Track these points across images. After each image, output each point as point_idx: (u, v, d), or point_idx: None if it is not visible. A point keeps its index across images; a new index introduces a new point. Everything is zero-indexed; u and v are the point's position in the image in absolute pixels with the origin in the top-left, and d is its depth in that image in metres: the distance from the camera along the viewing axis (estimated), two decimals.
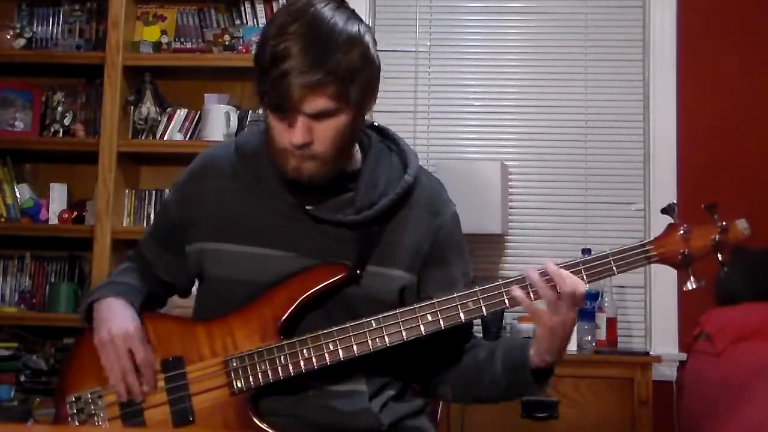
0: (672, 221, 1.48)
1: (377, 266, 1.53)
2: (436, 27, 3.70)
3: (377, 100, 1.54)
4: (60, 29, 3.51)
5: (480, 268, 3.37)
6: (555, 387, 2.92)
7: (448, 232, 1.61)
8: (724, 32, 3.50)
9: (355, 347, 1.46)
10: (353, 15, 1.48)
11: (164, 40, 3.44)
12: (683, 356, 3.22)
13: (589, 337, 3.07)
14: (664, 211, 1.49)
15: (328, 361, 1.46)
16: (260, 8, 3.44)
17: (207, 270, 1.59)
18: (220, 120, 3.28)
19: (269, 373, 1.47)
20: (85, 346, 1.56)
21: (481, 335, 3.04)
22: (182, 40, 3.47)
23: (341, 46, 1.41)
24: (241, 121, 3.33)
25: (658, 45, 3.51)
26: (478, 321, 2.62)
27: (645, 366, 2.97)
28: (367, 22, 1.74)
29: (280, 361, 1.47)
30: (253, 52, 1.47)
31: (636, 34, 3.59)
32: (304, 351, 1.46)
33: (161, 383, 1.52)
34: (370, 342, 1.46)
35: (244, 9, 3.45)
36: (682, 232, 1.46)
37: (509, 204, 3.40)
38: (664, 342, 3.36)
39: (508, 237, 3.50)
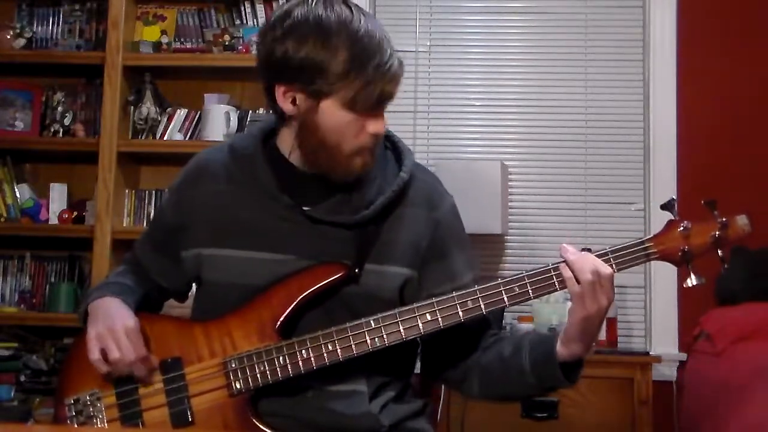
0: (672, 217, 1.47)
1: (376, 264, 1.52)
2: (436, 27, 3.70)
3: None
4: (60, 29, 3.51)
5: (480, 268, 3.36)
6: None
7: (446, 225, 1.60)
8: (724, 32, 3.50)
9: (353, 347, 1.45)
10: None
11: (164, 40, 3.44)
12: (683, 356, 3.22)
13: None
14: (663, 207, 1.48)
15: (327, 361, 1.45)
16: (260, 8, 3.44)
17: (205, 275, 1.59)
18: (220, 120, 3.28)
19: (268, 374, 1.46)
20: (84, 348, 1.55)
21: None
22: (182, 40, 3.47)
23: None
24: (241, 121, 3.32)
25: (658, 45, 3.50)
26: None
27: (645, 366, 2.97)
28: None
29: (279, 362, 1.46)
30: (319, 56, 1.43)
31: (636, 34, 3.59)
32: (303, 352, 1.46)
33: (160, 385, 1.51)
34: (368, 342, 1.45)
35: (244, 9, 3.45)
36: (681, 228, 1.45)
37: (509, 204, 3.40)
38: (664, 342, 3.36)
39: (508, 237, 3.50)
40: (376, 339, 1.45)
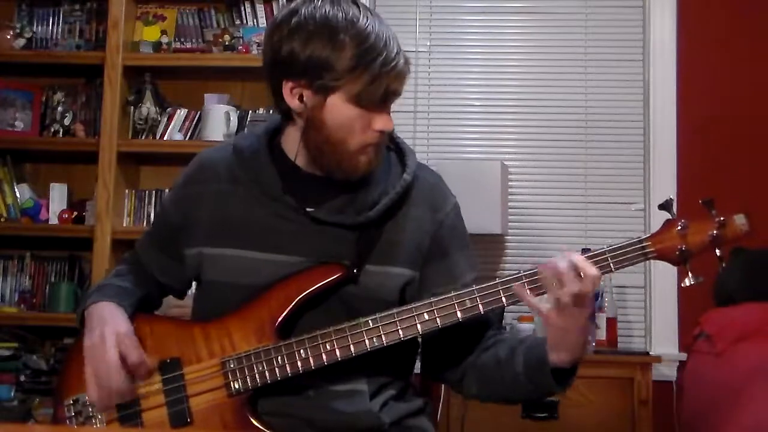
0: (669, 217, 1.47)
1: (378, 265, 1.52)
2: (436, 27, 3.70)
3: None
4: (60, 29, 3.51)
5: (480, 268, 3.36)
6: None
7: (449, 225, 1.61)
8: (724, 32, 3.49)
9: (352, 347, 1.45)
10: None
11: (164, 40, 3.44)
12: (683, 356, 3.21)
13: (589, 337, 3.07)
14: (661, 206, 1.47)
15: (325, 361, 1.45)
16: (260, 8, 3.44)
17: (206, 274, 1.59)
18: (220, 120, 3.28)
19: (267, 374, 1.46)
20: (82, 350, 1.55)
21: None
22: (182, 40, 3.47)
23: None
24: (241, 121, 3.32)
25: (658, 45, 3.50)
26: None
27: (645, 366, 2.97)
28: None
29: (278, 362, 1.46)
30: (326, 52, 1.44)
31: (636, 34, 3.59)
32: (302, 351, 1.46)
33: (158, 385, 1.51)
34: (367, 341, 1.45)
35: (244, 9, 3.45)
36: (679, 227, 1.44)
37: (509, 204, 3.40)
38: (664, 342, 3.35)
39: (508, 237, 3.50)
40: (374, 339, 1.45)
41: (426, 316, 1.46)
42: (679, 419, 3.13)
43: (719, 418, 2.52)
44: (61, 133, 3.46)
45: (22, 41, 3.44)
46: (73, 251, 3.46)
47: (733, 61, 3.47)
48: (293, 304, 1.49)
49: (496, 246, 3.51)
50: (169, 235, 1.66)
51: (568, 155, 3.56)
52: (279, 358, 1.46)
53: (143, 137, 3.40)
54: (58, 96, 3.49)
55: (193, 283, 1.71)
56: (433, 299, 1.46)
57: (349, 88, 1.45)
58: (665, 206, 1.47)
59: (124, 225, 3.37)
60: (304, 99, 1.48)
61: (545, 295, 1.43)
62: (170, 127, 3.39)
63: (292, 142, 1.56)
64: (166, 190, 3.26)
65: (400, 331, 1.46)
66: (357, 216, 1.52)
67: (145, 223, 3.36)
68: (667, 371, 3.29)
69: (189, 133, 3.39)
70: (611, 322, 3.17)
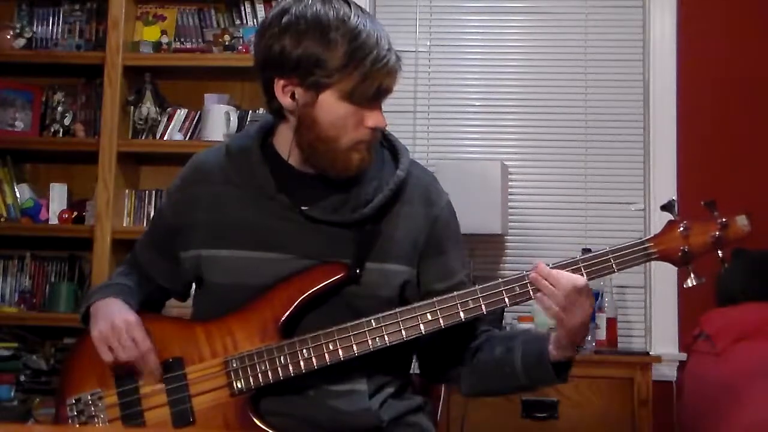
0: (672, 218, 1.47)
1: (376, 263, 1.53)
2: (436, 27, 3.70)
3: None
4: (60, 29, 3.51)
5: (480, 268, 3.37)
6: (555, 387, 2.92)
7: (444, 222, 1.62)
8: (724, 32, 3.50)
9: (354, 347, 1.46)
10: None
11: (164, 40, 3.44)
12: (683, 356, 3.22)
13: (589, 337, 3.07)
14: (663, 207, 1.48)
15: (327, 361, 1.46)
16: (260, 8, 3.44)
17: (205, 276, 1.59)
18: (220, 120, 3.28)
19: (269, 373, 1.47)
20: (85, 348, 1.56)
21: None
22: (182, 40, 3.47)
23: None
24: (241, 121, 3.32)
25: (658, 45, 3.50)
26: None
27: (645, 366, 2.97)
28: None
29: (280, 362, 1.47)
30: (318, 49, 1.45)
31: (636, 34, 3.59)
32: (304, 351, 1.46)
33: (161, 384, 1.52)
34: (369, 341, 1.46)
35: (244, 9, 3.45)
36: (681, 228, 1.45)
37: (509, 204, 3.40)
38: (664, 342, 3.36)
39: (508, 237, 3.50)
40: (377, 339, 1.46)
41: (429, 317, 1.46)
42: (679, 419, 3.14)
43: (719, 417, 2.52)
44: (61, 133, 3.46)
45: (22, 41, 3.44)
46: (73, 251, 3.45)
47: (733, 61, 3.48)
48: (296, 303, 1.49)
49: (496, 246, 3.51)
50: (166, 238, 1.66)
51: (568, 155, 3.56)
52: (282, 357, 1.47)
53: (143, 137, 3.40)
54: (58, 96, 3.49)
55: (193, 285, 1.71)
56: (435, 299, 1.47)
57: (341, 86, 1.46)
58: (667, 207, 1.48)
59: (124, 225, 3.37)
60: (296, 96, 1.49)
61: None
62: (170, 127, 3.39)
63: (284, 141, 1.57)
64: (165, 192, 3.26)
65: (403, 331, 1.46)
66: (352, 213, 1.53)
67: (144, 223, 3.36)
68: (667, 371, 3.29)
69: (189, 133, 3.40)
70: (611, 322, 3.17)
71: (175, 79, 3.49)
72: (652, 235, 1.48)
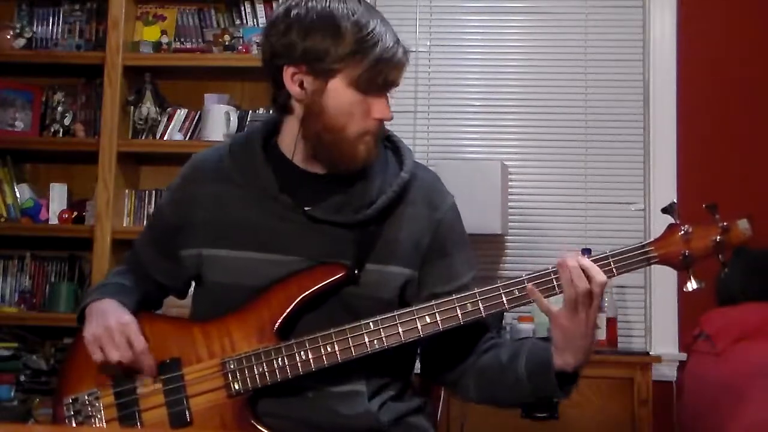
0: (672, 221, 1.46)
1: (376, 264, 1.52)
2: (436, 27, 3.70)
3: None
4: (60, 29, 3.51)
5: (480, 268, 3.34)
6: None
7: (448, 225, 1.61)
8: (724, 32, 3.50)
9: (352, 349, 1.45)
10: None
11: (164, 40, 3.44)
12: (683, 356, 3.22)
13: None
14: (664, 210, 1.47)
15: (325, 363, 1.45)
16: (260, 8, 3.43)
17: (205, 275, 1.59)
18: (220, 120, 3.28)
19: (267, 375, 1.46)
20: (82, 348, 1.55)
21: None
22: (182, 40, 3.47)
23: None
24: (241, 121, 3.32)
25: (658, 45, 3.50)
26: None
27: (645, 366, 2.97)
28: None
29: (278, 363, 1.46)
30: (327, 39, 1.46)
31: (636, 34, 3.59)
32: (302, 353, 1.46)
33: (158, 385, 1.51)
34: (368, 344, 1.45)
35: (244, 9, 3.45)
36: (682, 232, 1.44)
37: (509, 204, 3.40)
38: (664, 342, 3.36)
39: (508, 237, 3.50)
40: (375, 341, 1.45)
41: (427, 319, 1.46)
42: (679, 419, 3.14)
43: (719, 418, 2.52)
44: (61, 133, 3.46)
45: (22, 41, 3.44)
46: (73, 251, 3.45)
47: (733, 61, 3.47)
48: (294, 304, 1.49)
49: (496, 246, 3.51)
50: (166, 236, 1.65)
51: (568, 155, 3.56)
52: (279, 359, 1.46)
53: (143, 137, 3.40)
54: (58, 96, 3.49)
55: (192, 284, 1.71)
56: (434, 301, 1.46)
57: (350, 72, 1.46)
58: (668, 210, 1.47)
59: (124, 225, 3.37)
60: (305, 85, 1.49)
61: (552, 297, 1.44)
62: (170, 127, 3.39)
63: (289, 138, 1.56)
64: (165, 190, 3.26)
65: (401, 333, 1.46)
66: (355, 214, 1.52)
67: (145, 223, 3.35)
68: (667, 371, 3.29)
69: (189, 133, 3.39)
70: (611, 322, 3.17)
71: (175, 79, 3.49)
72: (652, 239, 1.46)
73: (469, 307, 1.46)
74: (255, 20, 3.43)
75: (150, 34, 3.47)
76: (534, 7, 3.66)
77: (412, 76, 3.63)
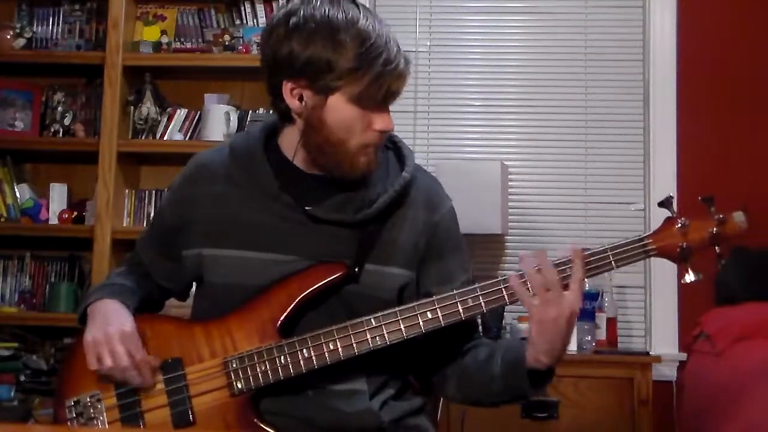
0: (669, 214, 1.47)
1: (376, 265, 1.52)
2: (436, 27, 3.70)
3: None
4: (60, 29, 3.51)
5: (480, 268, 3.37)
6: (555, 387, 2.92)
7: (445, 228, 1.61)
8: (724, 32, 3.50)
9: (354, 346, 1.45)
10: None
11: (164, 40, 3.44)
12: (683, 356, 3.22)
13: (589, 337, 3.07)
14: (661, 204, 1.49)
15: (328, 360, 1.45)
16: (260, 8, 3.44)
17: (206, 275, 1.59)
18: (220, 120, 3.28)
19: (269, 373, 1.46)
20: (83, 349, 1.55)
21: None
22: (182, 40, 3.47)
23: None
24: (241, 121, 3.32)
25: (658, 45, 3.51)
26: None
27: (645, 366, 2.97)
28: None
29: (280, 362, 1.46)
30: (327, 52, 1.43)
31: (636, 34, 3.59)
32: (304, 351, 1.46)
33: (161, 385, 1.51)
34: (370, 340, 1.45)
35: (244, 9, 3.45)
36: (679, 225, 1.46)
37: (509, 204, 3.40)
38: (664, 342, 3.36)
39: (508, 237, 3.50)
40: (377, 338, 1.45)
41: (429, 315, 1.46)
42: (679, 419, 3.14)
43: (719, 418, 2.52)
44: (61, 133, 3.46)
45: (22, 41, 3.44)
46: (73, 251, 3.45)
47: (733, 61, 3.48)
48: (295, 303, 1.49)
49: (496, 246, 3.51)
50: (167, 236, 1.65)
51: (568, 155, 3.56)
52: (282, 357, 1.46)
53: (143, 137, 3.40)
54: (58, 96, 3.49)
55: (193, 286, 1.71)
56: (435, 297, 1.47)
57: (351, 89, 1.45)
58: (665, 204, 1.48)
59: (124, 225, 3.37)
60: (305, 99, 1.48)
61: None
62: (170, 127, 3.39)
63: (290, 142, 1.56)
64: (166, 191, 3.26)
65: (403, 329, 1.46)
66: (356, 214, 1.52)
67: (145, 223, 3.36)
68: (667, 371, 3.30)
69: (189, 133, 3.40)
70: (611, 322, 3.17)
71: (175, 79, 3.50)
72: (650, 232, 1.48)
73: (470, 303, 1.46)
74: (255, 20, 3.43)
75: (150, 34, 3.47)
76: (534, 7, 3.66)
77: (412, 76, 3.62)
